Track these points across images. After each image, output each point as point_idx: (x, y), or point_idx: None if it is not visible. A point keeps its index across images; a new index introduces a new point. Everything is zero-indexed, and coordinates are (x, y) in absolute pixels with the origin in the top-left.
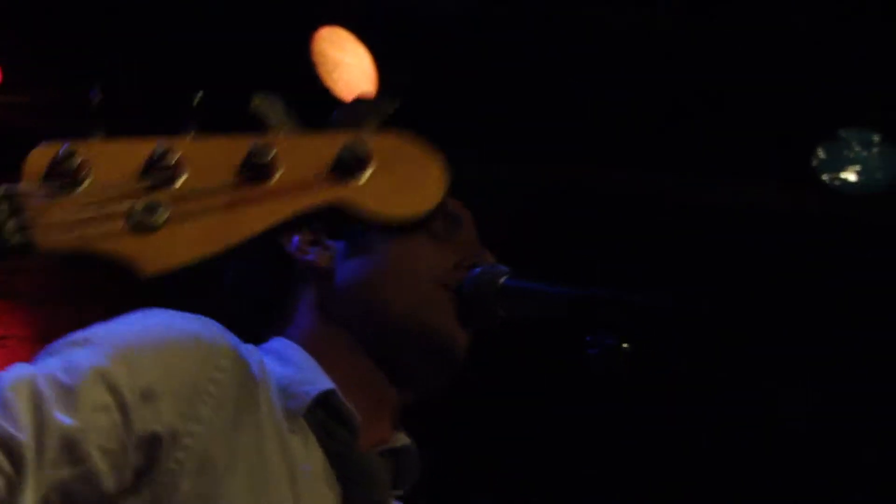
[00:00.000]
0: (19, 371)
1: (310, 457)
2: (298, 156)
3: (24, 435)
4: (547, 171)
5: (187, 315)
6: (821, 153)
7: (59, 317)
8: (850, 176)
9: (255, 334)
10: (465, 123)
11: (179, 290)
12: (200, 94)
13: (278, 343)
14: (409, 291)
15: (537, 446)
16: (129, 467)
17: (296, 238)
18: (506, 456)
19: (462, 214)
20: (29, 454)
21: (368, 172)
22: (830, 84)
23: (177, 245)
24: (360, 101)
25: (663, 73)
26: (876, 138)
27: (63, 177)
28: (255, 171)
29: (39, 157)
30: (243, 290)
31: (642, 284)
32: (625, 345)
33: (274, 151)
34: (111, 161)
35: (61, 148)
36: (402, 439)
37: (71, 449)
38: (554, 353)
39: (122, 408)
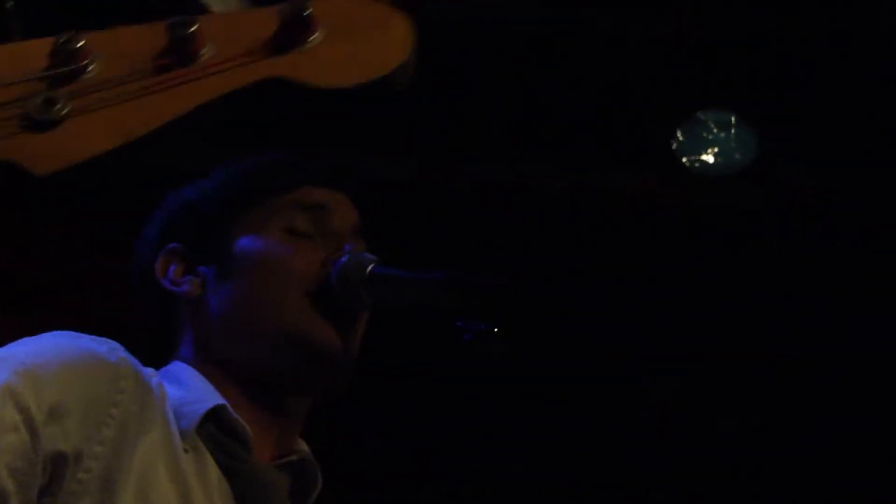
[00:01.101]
0: None
1: (205, 474)
2: (230, 32)
3: None
4: (403, 164)
5: (92, 337)
6: (679, 135)
7: None
8: (709, 158)
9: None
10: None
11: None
12: None
13: (174, 366)
14: (272, 307)
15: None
16: (35, 486)
17: (170, 271)
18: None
19: (328, 203)
20: None
21: (314, 40)
22: (687, 66)
23: (79, 138)
24: None
25: (521, 63)
26: (732, 119)
27: None
28: (177, 52)
29: None
30: (139, 324)
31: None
32: (496, 329)
33: (194, 27)
34: (5, 63)
35: None
36: (301, 452)
37: None
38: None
39: (31, 427)
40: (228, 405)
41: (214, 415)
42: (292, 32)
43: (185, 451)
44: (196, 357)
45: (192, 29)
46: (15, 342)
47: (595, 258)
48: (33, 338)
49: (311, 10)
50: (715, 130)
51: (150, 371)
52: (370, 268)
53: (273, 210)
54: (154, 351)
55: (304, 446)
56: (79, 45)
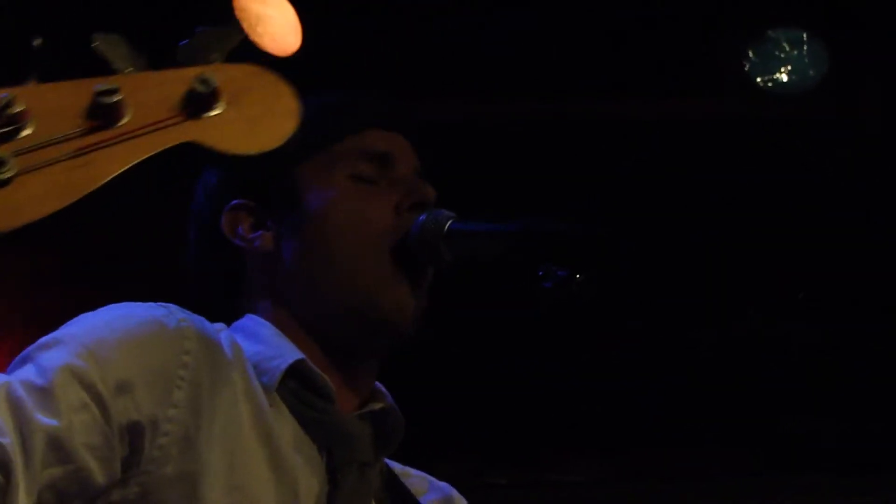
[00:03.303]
0: None
1: (283, 429)
2: (146, 96)
3: (7, 439)
4: (464, 104)
5: (149, 304)
6: (752, 56)
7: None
8: (783, 76)
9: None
10: (384, 61)
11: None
12: (40, 39)
13: (249, 321)
14: (349, 266)
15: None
16: (117, 459)
17: (239, 228)
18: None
19: (392, 150)
20: (16, 457)
21: (219, 107)
22: None
23: (27, 200)
24: (203, 34)
25: None
26: (804, 36)
27: None
28: (102, 115)
29: None
30: (203, 285)
31: (587, 211)
32: (578, 275)
33: (119, 93)
34: None
35: None
36: (382, 402)
37: (58, 449)
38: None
39: (100, 403)
40: (307, 359)
41: (295, 369)
42: (200, 99)
43: (271, 405)
44: (271, 310)
45: (118, 98)
46: (72, 320)
47: (670, 185)
48: (90, 314)
49: (217, 81)
50: (787, 48)
51: (218, 326)
52: (448, 224)
53: (336, 157)
54: (219, 306)
55: (386, 396)
56: (19, 108)
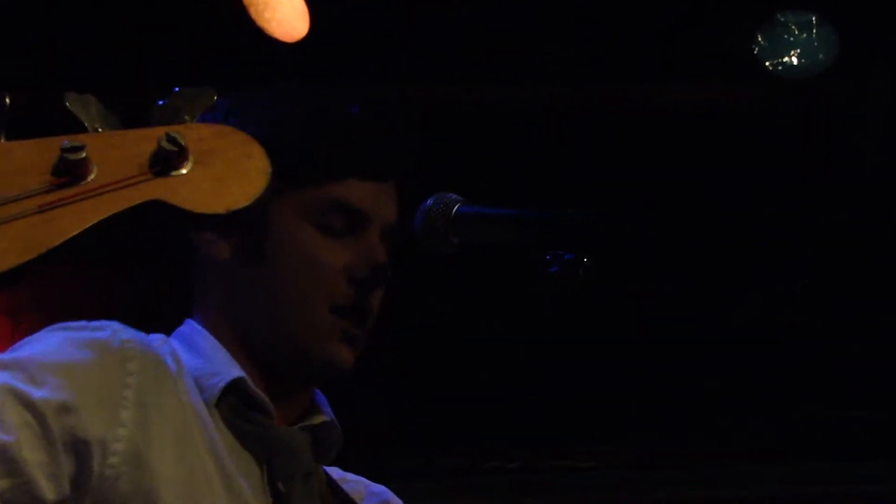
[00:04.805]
0: None
1: (224, 442)
2: (114, 154)
3: None
4: (466, 90)
5: (92, 324)
6: (761, 40)
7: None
8: (793, 59)
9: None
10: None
11: None
12: (7, 96)
13: (188, 327)
14: (296, 314)
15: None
16: (65, 476)
17: None
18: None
19: (367, 208)
20: None
21: (186, 166)
22: None
23: None
24: (178, 94)
25: None
26: (813, 19)
27: None
28: (68, 171)
29: None
30: (155, 277)
31: (592, 199)
32: (586, 259)
33: (85, 151)
34: None
35: None
36: (321, 417)
37: (6, 461)
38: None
39: (42, 422)
40: (247, 377)
41: (234, 386)
42: (167, 158)
43: (212, 417)
44: (214, 322)
45: (83, 155)
46: (14, 346)
47: (676, 172)
48: (31, 339)
49: (185, 140)
50: (796, 32)
51: (159, 339)
52: (456, 208)
53: (312, 199)
54: (172, 301)
55: (325, 408)
56: None
